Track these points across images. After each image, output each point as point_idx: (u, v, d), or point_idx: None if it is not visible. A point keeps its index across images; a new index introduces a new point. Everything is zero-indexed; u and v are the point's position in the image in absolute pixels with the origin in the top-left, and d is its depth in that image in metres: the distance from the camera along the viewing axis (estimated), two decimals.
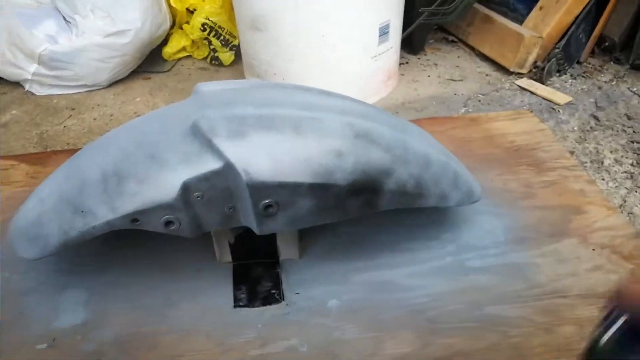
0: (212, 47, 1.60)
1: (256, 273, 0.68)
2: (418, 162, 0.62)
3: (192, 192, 0.55)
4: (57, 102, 1.68)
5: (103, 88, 1.71)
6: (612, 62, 1.65)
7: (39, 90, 1.72)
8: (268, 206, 0.56)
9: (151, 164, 0.56)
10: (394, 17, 1.38)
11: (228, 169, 0.55)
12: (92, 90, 1.69)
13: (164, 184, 0.55)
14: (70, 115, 1.62)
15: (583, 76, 1.57)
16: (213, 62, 1.65)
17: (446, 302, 0.64)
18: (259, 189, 0.55)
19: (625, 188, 1.16)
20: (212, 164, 0.55)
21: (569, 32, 1.54)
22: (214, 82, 0.67)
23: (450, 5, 1.55)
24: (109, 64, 1.67)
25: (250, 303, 0.65)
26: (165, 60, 1.79)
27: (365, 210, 0.61)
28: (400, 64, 1.66)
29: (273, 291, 0.66)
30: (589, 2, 1.51)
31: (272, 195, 0.56)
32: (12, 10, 1.61)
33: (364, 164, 0.58)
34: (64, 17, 1.61)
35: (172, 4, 1.62)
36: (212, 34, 1.57)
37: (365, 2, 1.31)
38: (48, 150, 1.47)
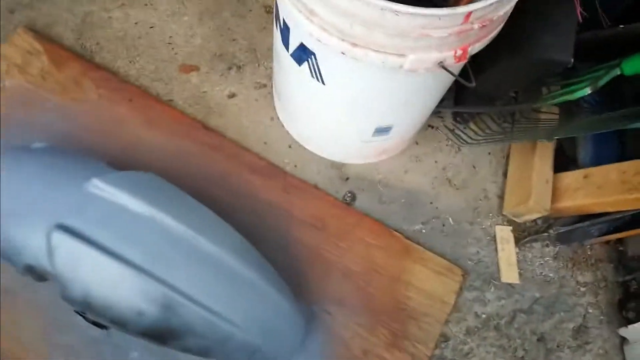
0: None
1: None
2: (213, 339, 0.74)
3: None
4: None
5: None
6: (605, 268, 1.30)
7: None
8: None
9: None
10: (398, 121, 1.16)
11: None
12: None
13: None
14: (123, 4, 1.50)
15: (566, 262, 1.29)
16: None
17: None
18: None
19: None
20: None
21: (582, 224, 1.23)
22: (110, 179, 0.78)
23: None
24: None
25: None
26: None
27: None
28: (428, 126, 1.43)
29: None
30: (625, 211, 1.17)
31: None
32: None
33: (160, 329, 0.72)
34: None
35: None
36: None
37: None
38: (80, 44, 1.36)
